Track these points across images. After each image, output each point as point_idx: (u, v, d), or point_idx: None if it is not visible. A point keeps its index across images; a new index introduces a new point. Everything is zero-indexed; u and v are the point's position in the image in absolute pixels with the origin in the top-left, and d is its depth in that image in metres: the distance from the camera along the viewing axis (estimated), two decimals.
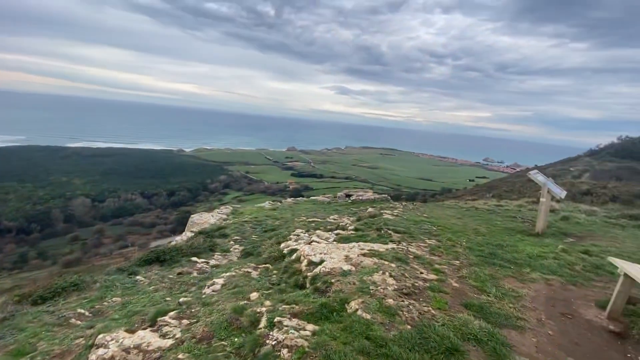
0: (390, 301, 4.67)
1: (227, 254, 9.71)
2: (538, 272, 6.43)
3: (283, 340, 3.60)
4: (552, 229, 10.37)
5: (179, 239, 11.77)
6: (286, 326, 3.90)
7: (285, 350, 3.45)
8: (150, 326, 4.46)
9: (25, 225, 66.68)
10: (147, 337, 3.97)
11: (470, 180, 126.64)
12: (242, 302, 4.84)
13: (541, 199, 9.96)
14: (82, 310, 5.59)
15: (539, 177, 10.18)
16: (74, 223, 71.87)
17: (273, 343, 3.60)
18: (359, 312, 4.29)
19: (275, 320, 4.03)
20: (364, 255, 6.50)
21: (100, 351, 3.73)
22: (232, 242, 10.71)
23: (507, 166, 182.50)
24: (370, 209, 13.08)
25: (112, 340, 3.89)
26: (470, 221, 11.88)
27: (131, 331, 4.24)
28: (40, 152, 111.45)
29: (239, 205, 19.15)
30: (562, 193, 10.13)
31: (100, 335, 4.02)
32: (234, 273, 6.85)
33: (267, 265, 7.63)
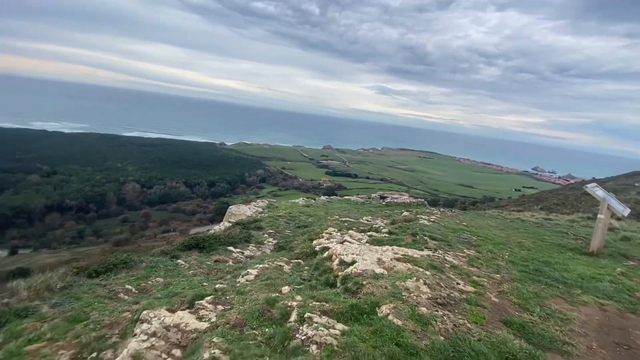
0: (424, 310, 4.53)
1: (261, 246, 10.00)
2: (591, 295, 5.88)
3: (312, 336, 3.64)
4: (609, 249, 9.41)
5: (217, 228, 12.33)
6: (316, 323, 3.94)
7: (314, 347, 3.49)
8: (188, 308, 4.73)
9: (84, 204, 73.86)
10: (185, 318, 4.22)
11: (516, 189, 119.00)
12: (274, 295, 4.96)
13: (599, 216, 9.07)
14: (130, 287, 6.07)
15: (598, 192, 9.27)
16: (125, 206, 78.33)
17: (303, 338, 3.66)
18: (390, 317, 4.21)
19: (306, 315, 4.09)
20: (397, 259, 6.36)
21: (144, 326, 4.03)
22: (266, 235, 11.00)
23: (560, 177, 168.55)
24: (405, 213, 12.76)
25: (154, 317, 4.18)
26: (514, 233, 11.14)
27: (171, 311, 4.53)
28: (100, 140, 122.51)
29: (274, 200, 19.62)
30: (624, 210, 9.14)
31: (145, 312, 4.34)
32: (267, 265, 7.04)
33: (299, 260, 7.75)
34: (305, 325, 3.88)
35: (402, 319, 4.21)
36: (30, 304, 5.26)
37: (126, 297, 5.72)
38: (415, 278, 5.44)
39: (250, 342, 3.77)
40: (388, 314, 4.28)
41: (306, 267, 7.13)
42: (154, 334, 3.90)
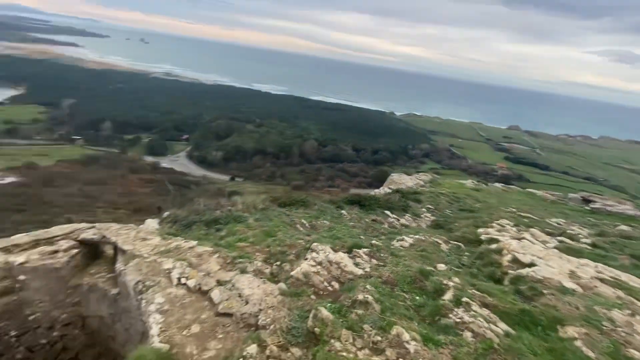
0: (636, 354, 3.33)
1: (417, 218, 9.78)
2: None
3: (469, 323, 3.34)
4: None
5: (377, 192, 12.88)
6: (474, 311, 3.58)
7: (469, 334, 3.20)
8: (347, 252, 5.26)
9: (277, 152, 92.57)
10: (345, 260, 4.72)
11: None
12: (428, 267, 4.80)
13: None
14: (304, 221, 7.33)
15: None
16: (304, 159, 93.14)
17: (457, 320, 3.42)
18: (578, 344, 3.33)
19: (463, 299, 3.77)
20: (601, 280, 4.84)
21: (314, 254, 4.78)
22: (424, 210, 10.65)
23: None
24: (623, 227, 9.41)
25: (322, 250, 4.88)
26: None
27: (334, 250, 5.15)
28: (293, 101, 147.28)
29: (438, 177, 18.50)
30: None
31: (315, 244, 5.13)
32: (422, 238, 6.86)
33: (459, 244, 7.13)
34: (461, 309, 3.60)
35: (596, 351, 3.26)
36: (242, 214, 7.18)
37: (301, 228, 6.93)
38: (628, 311, 4.02)
39: (400, 302, 3.84)
40: (575, 338, 3.39)
41: (467, 253, 6.51)
42: (320, 263, 4.57)
